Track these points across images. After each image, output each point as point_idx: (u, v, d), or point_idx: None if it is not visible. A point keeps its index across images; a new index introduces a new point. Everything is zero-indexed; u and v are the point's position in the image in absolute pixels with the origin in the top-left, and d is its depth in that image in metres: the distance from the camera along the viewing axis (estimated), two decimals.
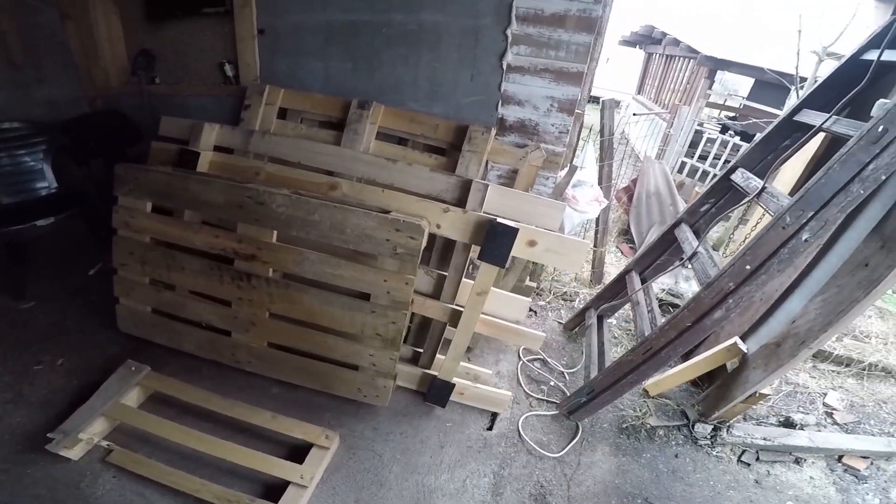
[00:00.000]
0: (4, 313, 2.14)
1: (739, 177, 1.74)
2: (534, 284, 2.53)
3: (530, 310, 2.55)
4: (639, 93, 8.24)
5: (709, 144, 4.73)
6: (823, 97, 1.65)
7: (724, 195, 1.86)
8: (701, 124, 4.83)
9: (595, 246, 2.74)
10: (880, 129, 1.18)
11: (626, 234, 3.58)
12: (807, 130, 1.54)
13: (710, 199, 1.88)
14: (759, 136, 1.80)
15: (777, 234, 1.35)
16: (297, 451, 1.61)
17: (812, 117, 1.59)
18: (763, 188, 1.55)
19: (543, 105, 2.00)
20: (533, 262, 2.45)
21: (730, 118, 5.84)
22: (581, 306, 2.43)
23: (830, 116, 1.47)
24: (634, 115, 4.03)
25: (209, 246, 1.72)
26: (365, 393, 1.77)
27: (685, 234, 1.86)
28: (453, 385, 1.83)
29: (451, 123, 1.99)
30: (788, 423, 1.98)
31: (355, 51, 2.10)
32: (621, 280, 2.16)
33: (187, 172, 1.80)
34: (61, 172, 2.34)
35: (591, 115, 3.01)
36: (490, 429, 1.85)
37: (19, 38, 2.33)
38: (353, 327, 1.69)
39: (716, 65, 5.36)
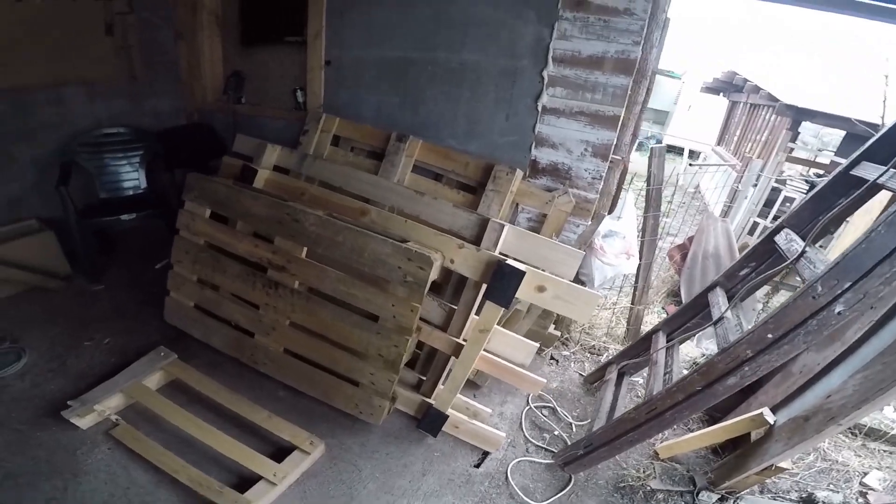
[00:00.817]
0: (79, 292, 2.55)
1: (783, 238, 1.64)
2: (558, 333, 2.50)
3: (552, 358, 2.50)
4: (719, 143, 7.83)
5: (787, 204, 4.37)
6: (887, 148, 1.49)
7: (765, 259, 1.75)
8: (783, 181, 4.49)
9: (633, 303, 2.65)
10: None
11: (676, 295, 3.39)
12: (863, 186, 1.44)
13: (750, 262, 1.78)
14: (810, 193, 1.70)
15: (806, 303, 1.26)
16: (282, 452, 1.73)
17: (870, 171, 1.45)
18: (803, 252, 1.46)
19: (577, 149, 2.06)
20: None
21: (819, 175, 5.37)
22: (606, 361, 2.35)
23: (887, 170, 1.35)
24: (690, 164, 3.82)
25: (249, 254, 1.96)
26: (361, 409, 1.86)
27: (717, 299, 1.77)
28: (447, 416, 1.86)
29: (481, 162, 2.11)
30: (809, 500, 1.77)
31: (404, 86, 2.32)
32: (648, 339, 2.08)
33: (243, 186, 2.08)
34: (149, 175, 2.79)
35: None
36: (478, 466, 1.85)
37: (141, 53, 2.85)
38: (360, 345, 1.81)
39: (797, 114, 4.97)
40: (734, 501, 1.71)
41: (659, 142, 5.48)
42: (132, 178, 2.69)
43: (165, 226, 2.78)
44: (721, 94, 8.26)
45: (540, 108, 2.07)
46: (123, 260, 2.82)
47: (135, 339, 2.22)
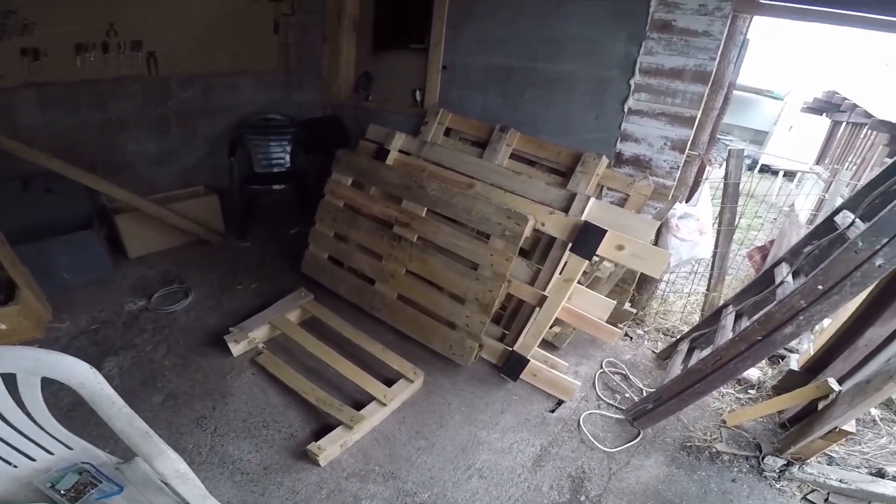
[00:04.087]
0: (230, 247, 3.36)
1: (841, 217, 1.94)
2: (633, 311, 2.87)
3: (626, 335, 2.87)
4: (817, 163, 7.67)
5: None
6: None
7: (826, 235, 2.04)
8: None
9: (707, 290, 2.96)
10: None
11: None
12: None
13: (813, 239, 2.09)
14: (870, 178, 2.00)
15: (849, 257, 1.56)
16: (389, 382, 2.18)
17: None
18: (853, 222, 1.78)
19: (658, 143, 2.50)
20: (635, 290, 2.83)
21: None
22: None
23: None
24: (762, 168, 3.87)
25: (380, 213, 2.61)
26: (454, 350, 2.37)
27: (781, 271, 2.10)
28: (527, 360, 2.29)
29: (571, 150, 2.62)
30: (879, 474, 1.94)
31: (506, 89, 2.93)
32: (718, 313, 2.41)
33: (379, 162, 2.77)
34: (291, 156, 3.57)
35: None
36: (552, 412, 2.20)
37: (296, 50, 3.64)
38: (460, 290, 2.35)
39: (892, 130, 4.88)
40: (800, 467, 1.91)
41: (755, 161, 5.67)
42: (281, 157, 3.52)
43: (296, 199, 3.58)
44: (823, 114, 8.18)
45: (626, 110, 2.55)
46: (262, 224, 3.63)
47: (274, 286, 2.90)
